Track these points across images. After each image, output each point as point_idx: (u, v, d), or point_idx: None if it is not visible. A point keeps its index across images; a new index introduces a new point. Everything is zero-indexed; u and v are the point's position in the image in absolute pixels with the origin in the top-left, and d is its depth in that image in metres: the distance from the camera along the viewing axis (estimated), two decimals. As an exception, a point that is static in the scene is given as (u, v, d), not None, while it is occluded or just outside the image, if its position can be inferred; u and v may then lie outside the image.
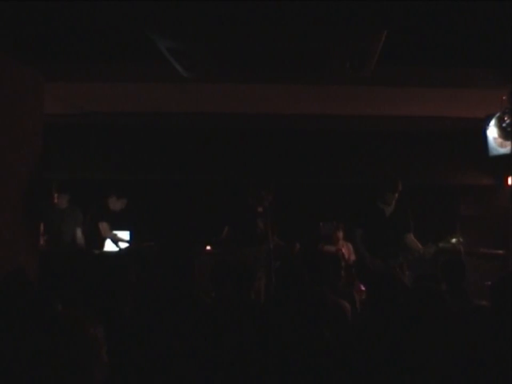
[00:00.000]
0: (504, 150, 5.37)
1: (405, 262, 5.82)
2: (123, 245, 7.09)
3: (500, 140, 5.35)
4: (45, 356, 1.94)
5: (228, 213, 6.36)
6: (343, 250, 7.35)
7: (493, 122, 5.30)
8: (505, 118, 5.11)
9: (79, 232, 6.94)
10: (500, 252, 7.42)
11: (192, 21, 3.89)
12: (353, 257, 7.00)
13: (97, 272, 3.80)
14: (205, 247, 7.48)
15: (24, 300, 2.74)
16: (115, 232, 7.07)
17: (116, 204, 7.03)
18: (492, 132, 5.38)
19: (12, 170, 4.79)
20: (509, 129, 5.12)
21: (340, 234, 7.55)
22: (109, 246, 7.05)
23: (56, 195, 6.74)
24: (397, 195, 5.89)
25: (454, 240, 5.72)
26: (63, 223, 6.82)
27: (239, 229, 6.10)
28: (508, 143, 5.24)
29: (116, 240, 7.07)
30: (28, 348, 2.00)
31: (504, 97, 5.08)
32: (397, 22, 3.91)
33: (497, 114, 5.20)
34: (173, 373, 2.77)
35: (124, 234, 7.20)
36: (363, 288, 5.43)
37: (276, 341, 2.95)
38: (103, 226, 6.95)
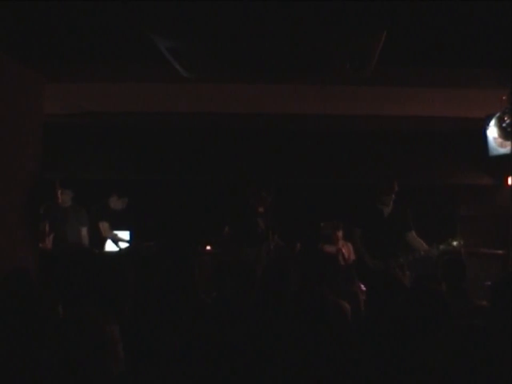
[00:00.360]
0: (504, 150, 5.38)
1: (405, 262, 5.82)
2: (123, 245, 7.09)
3: (500, 140, 5.35)
4: (65, 353, 1.97)
5: (228, 212, 6.37)
6: (343, 250, 7.35)
7: (493, 122, 5.30)
8: (505, 118, 5.11)
9: (84, 231, 6.93)
10: (500, 252, 7.42)
11: (192, 21, 3.89)
12: (353, 257, 7.00)
13: (98, 272, 3.79)
14: (205, 247, 7.49)
15: (28, 300, 2.75)
16: (115, 232, 7.07)
17: (116, 204, 7.04)
18: (492, 131, 5.39)
19: (12, 170, 4.79)
20: (509, 129, 5.12)
21: (340, 234, 7.55)
22: (109, 246, 7.05)
23: (60, 191, 6.73)
24: (393, 196, 5.89)
25: (455, 243, 5.72)
26: (68, 222, 6.81)
27: (240, 229, 6.11)
28: (508, 143, 5.25)
29: (115, 240, 7.07)
30: (46, 346, 2.03)
31: (504, 97, 5.08)
32: (397, 22, 3.91)
33: (497, 114, 5.20)
34: (173, 373, 2.76)
35: (124, 234, 7.20)
36: (363, 288, 5.43)
37: (277, 342, 2.95)
38: (104, 226, 6.95)
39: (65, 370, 1.98)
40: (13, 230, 4.76)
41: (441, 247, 5.72)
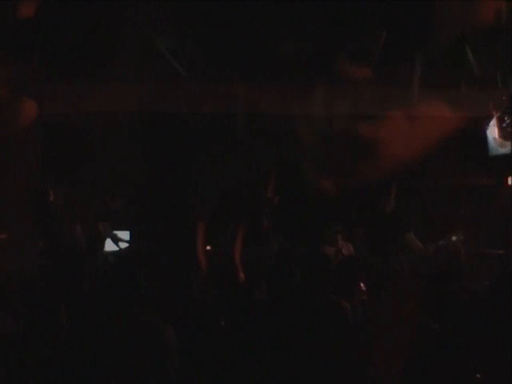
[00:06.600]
0: (504, 150, 5.38)
1: (405, 261, 5.82)
2: (123, 245, 7.08)
3: (500, 140, 5.36)
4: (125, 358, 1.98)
5: (233, 212, 6.36)
6: (343, 250, 7.33)
7: (493, 122, 5.31)
8: (505, 118, 5.12)
9: (78, 230, 6.91)
10: (500, 251, 7.41)
11: (192, 21, 3.90)
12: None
13: (97, 272, 3.80)
14: (206, 246, 7.47)
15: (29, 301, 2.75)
16: (115, 232, 7.06)
17: (114, 204, 7.03)
18: (492, 131, 5.39)
19: (12, 170, 4.79)
20: (509, 129, 5.13)
21: (340, 234, 7.52)
22: (109, 246, 7.04)
23: (51, 192, 6.72)
24: (393, 195, 5.89)
25: (454, 238, 5.72)
26: (61, 221, 6.79)
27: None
28: (508, 143, 5.26)
29: (115, 240, 7.05)
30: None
31: (504, 97, 5.09)
32: (397, 22, 3.91)
33: (497, 114, 5.21)
34: (173, 373, 2.77)
35: (124, 234, 7.18)
36: (363, 288, 5.42)
37: (277, 341, 2.95)
38: (103, 225, 6.94)
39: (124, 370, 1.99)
40: (13, 230, 4.76)
41: (441, 242, 5.72)
